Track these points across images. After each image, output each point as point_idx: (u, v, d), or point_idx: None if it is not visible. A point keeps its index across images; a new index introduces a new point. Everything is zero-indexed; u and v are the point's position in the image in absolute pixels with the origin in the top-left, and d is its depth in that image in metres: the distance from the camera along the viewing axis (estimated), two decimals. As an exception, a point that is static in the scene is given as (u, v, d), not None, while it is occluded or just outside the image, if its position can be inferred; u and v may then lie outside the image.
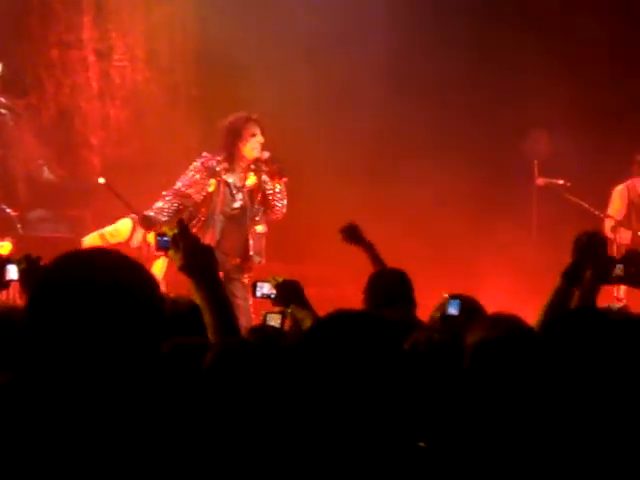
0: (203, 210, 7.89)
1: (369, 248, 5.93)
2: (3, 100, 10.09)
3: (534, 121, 11.06)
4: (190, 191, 7.86)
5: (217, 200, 7.87)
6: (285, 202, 7.99)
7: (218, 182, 7.88)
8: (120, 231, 8.71)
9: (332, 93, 10.91)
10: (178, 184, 7.90)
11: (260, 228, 8.00)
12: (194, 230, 7.54)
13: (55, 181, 10.45)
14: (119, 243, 8.47)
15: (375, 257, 5.85)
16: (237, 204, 7.97)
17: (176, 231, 3.89)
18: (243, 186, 7.97)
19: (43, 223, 9.57)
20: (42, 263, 4.02)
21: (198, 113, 11.26)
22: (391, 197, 10.65)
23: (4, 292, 4.23)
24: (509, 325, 3.60)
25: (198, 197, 7.88)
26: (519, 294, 8.60)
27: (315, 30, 10.73)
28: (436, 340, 4.20)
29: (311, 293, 4.76)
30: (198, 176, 7.89)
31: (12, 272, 3.85)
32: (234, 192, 7.94)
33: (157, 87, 11.16)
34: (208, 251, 3.85)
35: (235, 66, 10.50)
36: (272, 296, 4.49)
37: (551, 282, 4.50)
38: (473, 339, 3.57)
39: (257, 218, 7.98)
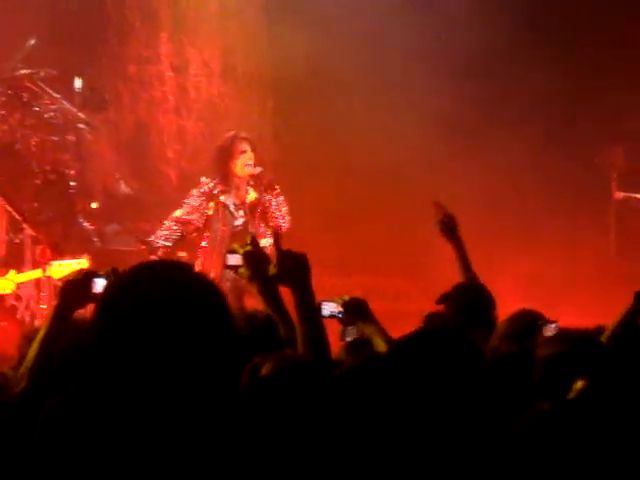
0: (207, 233, 8.01)
1: (460, 248, 5.69)
2: (82, 115, 10.22)
3: (612, 135, 10.92)
4: (191, 217, 8.01)
5: (218, 222, 7.99)
6: (285, 210, 8.04)
7: (217, 204, 8.01)
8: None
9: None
10: (178, 212, 8.06)
11: (264, 242, 8.05)
12: (201, 253, 7.90)
13: (131, 194, 10.57)
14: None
15: (464, 259, 5.60)
16: (239, 222, 8.07)
17: (249, 248, 3.89)
18: (243, 203, 8.08)
19: (120, 236, 9.65)
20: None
21: (272, 127, 11.31)
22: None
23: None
24: (579, 339, 3.63)
25: (200, 222, 8.01)
26: (595, 307, 8.50)
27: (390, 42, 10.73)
28: (502, 352, 4.19)
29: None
30: (197, 202, 8.02)
31: (99, 285, 3.86)
32: (233, 211, 8.05)
33: (232, 101, 11.23)
34: (302, 259, 3.78)
35: (310, 79, 10.53)
36: (339, 315, 4.43)
37: (627, 297, 4.48)
38: (544, 353, 3.63)
39: (260, 231, 8.05)
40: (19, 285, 8.15)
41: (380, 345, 4.22)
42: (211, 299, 2.31)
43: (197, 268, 7.38)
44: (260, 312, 4.02)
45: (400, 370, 2.77)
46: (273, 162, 11.32)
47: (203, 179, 8.15)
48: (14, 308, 8.98)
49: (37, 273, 7.98)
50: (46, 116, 10.06)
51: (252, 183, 8.09)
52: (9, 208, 7.49)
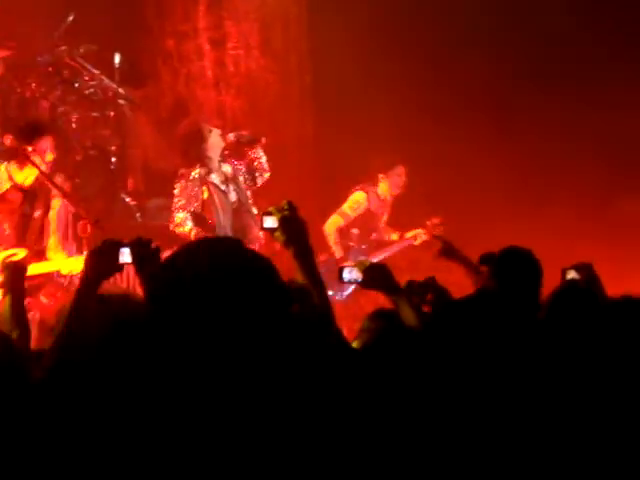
0: (209, 217, 7.95)
1: (466, 262, 5.84)
2: (121, 91, 10.23)
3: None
4: (192, 207, 7.94)
5: (215, 203, 7.93)
6: (264, 162, 8.03)
7: (207, 186, 7.95)
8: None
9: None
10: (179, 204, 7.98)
11: (255, 210, 8.03)
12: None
13: (172, 170, 10.56)
14: None
15: (471, 266, 5.69)
16: (232, 196, 8.02)
17: (286, 213, 3.90)
18: (227, 178, 8.02)
19: (161, 212, 9.66)
20: (160, 251, 4.04)
21: (311, 101, 11.26)
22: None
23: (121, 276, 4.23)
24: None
25: (198, 208, 7.94)
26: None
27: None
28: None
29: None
30: (190, 191, 7.94)
31: (126, 255, 3.86)
32: (224, 188, 8.00)
33: (271, 75, 11.18)
34: (303, 223, 3.91)
35: (349, 55, 10.46)
36: (359, 280, 4.34)
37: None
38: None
39: (250, 201, 8.00)
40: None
41: (408, 315, 4.10)
42: (266, 273, 2.31)
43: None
44: (292, 280, 4.00)
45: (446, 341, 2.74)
46: (313, 136, 11.31)
47: (182, 171, 8.09)
48: (59, 284, 9.03)
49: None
50: (86, 92, 10.09)
51: (222, 156, 8.03)
52: (50, 184, 7.49)
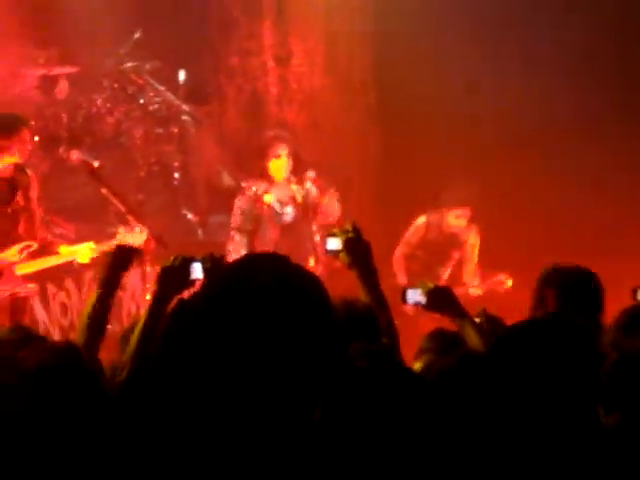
0: (256, 232, 7.99)
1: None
2: (185, 107, 10.28)
3: None
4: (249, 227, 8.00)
5: (266, 221, 7.97)
6: (337, 209, 8.02)
7: (261, 204, 7.96)
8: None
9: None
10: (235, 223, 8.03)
11: (316, 238, 7.98)
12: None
13: (235, 186, 10.58)
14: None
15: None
16: (288, 217, 8.03)
17: (350, 235, 3.92)
18: (288, 197, 7.99)
19: (223, 228, 9.67)
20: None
21: (375, 118, 11.22)
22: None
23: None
24: None
25: (252, 226, 8.00)
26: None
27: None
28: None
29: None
30: (246, 208, 8.01)
31: (197, 271, 3.86)
32: (278, 208, 8.02)
33: (334, 92, 11.16)
34: (368, 245, 3.96)
35: (413, 73, 10.39)
36: (423, 302, 4.27)
37: None
38: None
39: (313, 229, 7.99)
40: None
41: (474, 340, 4.03)
42: (313, 290, 2.29)
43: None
44: (359, 300, 3.96)
45: (509, 365, 2.67)
46: (376, 156, 11.25)
47: (244, 183, 8.10)
48: (119, 299, 9.06)
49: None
50: (151, 108, 10.15)
51: (295, 180, 8.04)
52: (114, 199, 7.52)
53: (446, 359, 3.46)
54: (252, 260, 2.39)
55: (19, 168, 7.24)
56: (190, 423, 2.24)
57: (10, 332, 3.88)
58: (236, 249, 7.99)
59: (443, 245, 8.99)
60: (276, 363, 2.20)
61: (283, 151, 8.00)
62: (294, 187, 8.04)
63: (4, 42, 9.40)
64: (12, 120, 7.24)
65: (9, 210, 7.24)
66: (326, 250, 4.05)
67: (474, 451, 2.61)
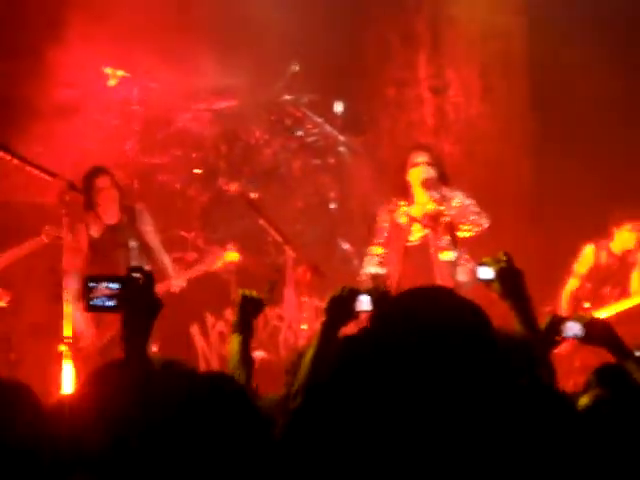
0: (385, 248, 7.83)
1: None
2: (342, 138, 10.35)
3: None
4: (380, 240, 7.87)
5: (392, 240, 7.78)
6: (475, 214, 7.69)
7: (390, 223, 7.81)
8: None
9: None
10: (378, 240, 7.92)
11: (446, 255, 7.67)
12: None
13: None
14: None
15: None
16: (415, 236, 7.75)
17: (503, 264, 3.86)
18: (423, 216, 7.72)
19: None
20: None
21: (532, 147, 11.04)
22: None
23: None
24: None
25: (382, 242, 7.88)
26: None
27: None
28: None
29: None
30: (379, 225, 7.90)
31: (365, 303, 3.90)
32: (405, 226, 7.77)
33: (491, 122, 11.05)
34: (520, 275, 3.88)
35: (573, 101, 10.19)
36: (580, 335, 4.14)
37: None
38: None
39: (442, 245, 7.66)
40: (283, 306, 8.33)
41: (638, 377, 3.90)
42: (479, 325, 2.31)
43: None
44: (515, 331, 3.90)
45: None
46: (533, 186, 11.06)
47: (384, 202, 8.00)
48: (277, 328, 9.16)
49: None
50: (308, 140, 10.27)
51: (431, 194, 7.69)
52: (271, 230, 7.62)
53: (618, 396, 3.38)
54: (417, 296, 2.39)
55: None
56: (365, 450, 2.29)
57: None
58: (365, 265, 7.94)
59: (614, 270, 8.76)
60: (445, 398, 2.22)
61: (422, 158, 7.74)
62: (431, 206, 7.76)
63: (177, 74, 9.60)
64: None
65: None
66: (477, 279, 4.00)
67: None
